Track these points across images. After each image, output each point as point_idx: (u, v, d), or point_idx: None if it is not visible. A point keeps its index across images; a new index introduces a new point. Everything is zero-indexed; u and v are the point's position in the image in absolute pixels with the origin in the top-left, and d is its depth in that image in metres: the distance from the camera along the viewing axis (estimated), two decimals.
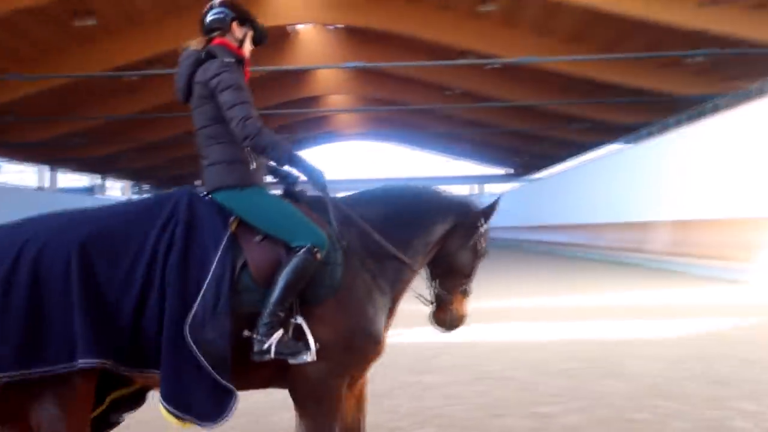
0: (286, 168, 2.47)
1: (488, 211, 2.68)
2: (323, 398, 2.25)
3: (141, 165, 36.62)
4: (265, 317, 2.13)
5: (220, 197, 2.32)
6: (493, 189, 43.04)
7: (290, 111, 27.92)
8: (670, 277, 12.14)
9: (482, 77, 22.58)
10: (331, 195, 2.45)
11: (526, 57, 16.21)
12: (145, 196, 2.50)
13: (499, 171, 46.04)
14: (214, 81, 2.30)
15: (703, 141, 14.03)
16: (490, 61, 18.30)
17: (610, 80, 19.24)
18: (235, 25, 2.48)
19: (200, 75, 2.35)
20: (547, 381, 4.57)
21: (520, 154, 39.51)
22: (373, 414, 3.99)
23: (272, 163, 2.50)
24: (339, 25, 20.69)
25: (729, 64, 17.84)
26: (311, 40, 21.90)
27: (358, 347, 2.29)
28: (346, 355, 2.27)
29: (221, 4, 2.48)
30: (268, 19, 17.93)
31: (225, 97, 2.28)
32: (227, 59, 2.36)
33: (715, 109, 15.00)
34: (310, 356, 2.15)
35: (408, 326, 7.39)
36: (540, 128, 29.16)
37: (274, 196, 2.43)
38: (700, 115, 15.50)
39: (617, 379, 4.53)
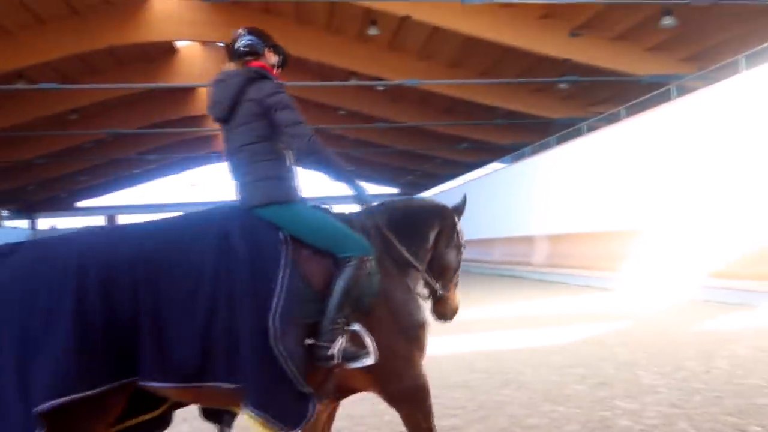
0: (338, 182, 2.61)
1: (460, 208, 3.11)
2: (421, 387, 2.52)
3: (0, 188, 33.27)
4: (327, 325, 2.27)
5: (266, 212, 2.40)
6: None
7: (172, 130, 26.72)
8: (551, 288, 12.96)
9: (372, 99, 23.05)
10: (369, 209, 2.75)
11: (410, 80, 16.80)
12: (183, 213, 2.42)
13: (388, 190, 46.96)
14: (272, 100, 2.43)
15: (573, 161, 15.24)
16: (374, 83, 18.76)
17: (489, 103, 20.37)
18: (268, 51, 2.69)
19: (254, 93, 2.45)
20: (448, 394, 4.67)
21: (407, 173, 40.59)
22: None
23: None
24: (224, 44, 20.15)
25: (593, 90, 19.58)
26: (194, 57, 21.20)
27: (416, 337, 2.55)
28: (411, 347, 2.52)
29: (250, 33, 2.68)
30: (150, 33, 17.15)
31: (285, 116, 2.42)
32: (276, 81, 2.54)
33: (582, 132, 16.38)
34: (371, 359, 2.30)
35: None
36: (427, 148, 30.20)
37: (317, 210, 2.56)
38: (572, 136, 16.84)
39: (512, 388, 4.73)
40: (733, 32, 14.40)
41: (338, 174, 2.55)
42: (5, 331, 1.86)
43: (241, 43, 2.63)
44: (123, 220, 35.64)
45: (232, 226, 2.26)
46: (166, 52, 20.59)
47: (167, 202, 39.15)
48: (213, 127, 30.12)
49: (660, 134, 11.66)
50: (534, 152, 19.04)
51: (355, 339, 2.33)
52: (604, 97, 19.95)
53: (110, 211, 41.28)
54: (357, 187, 2.61)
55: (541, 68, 17.60)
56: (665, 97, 12.69)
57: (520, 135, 24.15)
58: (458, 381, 5.07)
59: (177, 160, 36.17)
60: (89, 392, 1.88)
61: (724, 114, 9.80)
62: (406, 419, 2.52)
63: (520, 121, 22.33)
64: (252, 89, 2.45)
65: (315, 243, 2.39)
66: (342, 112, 25.20)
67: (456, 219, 3.03)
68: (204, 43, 20.51)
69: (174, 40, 19.51)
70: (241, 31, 2.68)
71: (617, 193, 13.07)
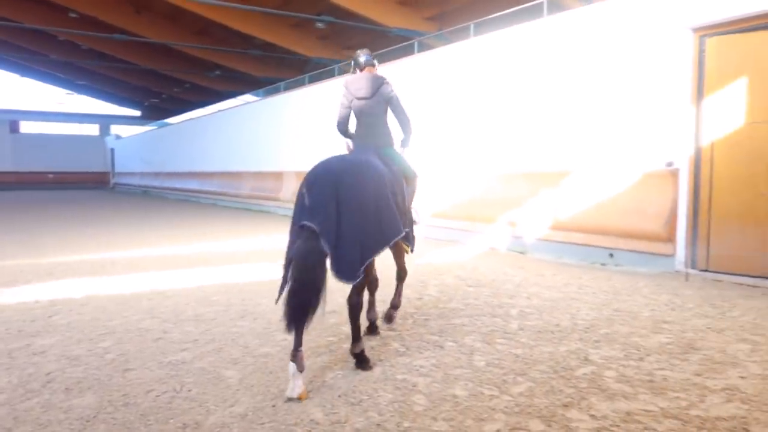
0: (407, 139, 4.63)
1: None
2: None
3: None
4: (409, 205, 4.25)
5: (384, 150, 4.27)
6: (121, 131, 39.71)
7: None
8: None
9: (111, 5, 20.31)
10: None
11: None
12: (355, 150, 4.68)
13: (129, 112, 42.69)
14: (392, 95, 4.41)
15: (322, 101, 15.63)
16: None
17: (246, 31, 19.61)
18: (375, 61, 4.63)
19: (385, 90, 4.39)
20: (181, 328, 4.55)
21: (152, 95, 37.28)
22: None
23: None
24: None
25: (348, 34, 20.17)
26: None
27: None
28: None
29: (365, 54, 4.54)
30: None
31: (400, 105, 4.47)
32: (390, 83, 4.50)
33: (334, 74, 16.85)
34: (422, 223, 5.19)
35: (10, 284, 6.35)
36: (175, 70, 28.00)
37: (396, 151, 4.46)
38: (325, 76, 17.18)
39: (249, 320, 4.80)
40: (468, 0, 16.08)
41: (409, 137, 4.56)
42: (358, 198, 3.38)
43: (363, 58, 4.50)
44: None
45: (382, 156, 4.09)
46: None
47: None
48: None
49: (401, 86, 12.60)
50: (287, 88, 19.02)
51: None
52: (357, 42, 20.73)
53: None
54: (408, 143, 4.60)
55: (301, 3, 17.46)
56: (409, 51, 13.69)
57: (276, 69, 23.87)
58: (193, 315, 4.97)
59: None
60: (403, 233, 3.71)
61: (455, 72, 10.99)
62: (401, 256, 4.52)
63: (276, 55, 22.00)
64: (384, 87, 4.39)
65: (400, 167, 4.24)
66: (73, 15, 21.77)
67: None
68: None
69: None
70: (359, 52, 4.53)
71: None
